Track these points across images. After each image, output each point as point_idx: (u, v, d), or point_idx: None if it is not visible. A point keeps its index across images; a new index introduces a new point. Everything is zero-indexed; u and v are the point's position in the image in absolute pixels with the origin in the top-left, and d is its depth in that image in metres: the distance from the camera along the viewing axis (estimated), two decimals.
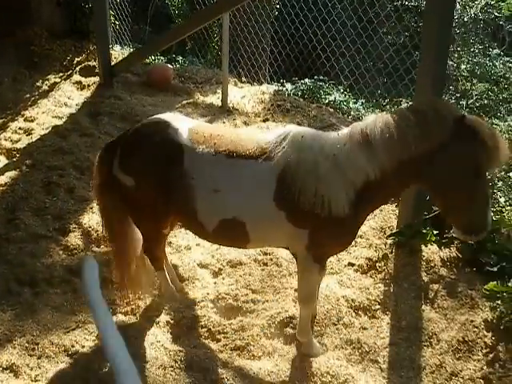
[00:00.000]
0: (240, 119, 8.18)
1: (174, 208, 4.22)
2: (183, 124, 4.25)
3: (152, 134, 4.20)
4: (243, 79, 10.04)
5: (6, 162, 7.19)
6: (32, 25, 10.62)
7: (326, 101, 8.96)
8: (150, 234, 4.60)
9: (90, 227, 5.75)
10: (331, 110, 8.63)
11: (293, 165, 3.82)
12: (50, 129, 7.88)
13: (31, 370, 4.23)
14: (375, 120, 3.77)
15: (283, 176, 3.85)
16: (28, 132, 7.94)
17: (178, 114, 4.62)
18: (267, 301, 4.91)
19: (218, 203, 4.00)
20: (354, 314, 4.80)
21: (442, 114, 3.58)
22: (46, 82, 9.63)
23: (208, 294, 5.01)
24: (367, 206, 4.01)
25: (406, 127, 3.59)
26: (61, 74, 9.90)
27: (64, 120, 8.20)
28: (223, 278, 5.23)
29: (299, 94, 9.20)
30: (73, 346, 4.42)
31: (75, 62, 10.28)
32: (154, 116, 4.54)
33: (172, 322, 4.70)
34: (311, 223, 3.88)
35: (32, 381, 4.12)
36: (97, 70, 9.61)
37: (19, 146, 7.54)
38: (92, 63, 10.01)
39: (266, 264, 5.35)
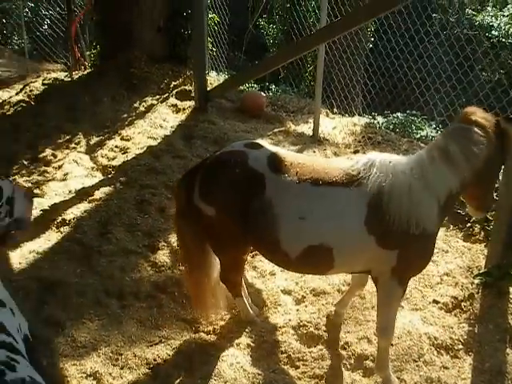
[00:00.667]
0: (330, 149, 8.21)
1: (255, 238, 4.26)
2: (262, 152, 4.30)
3: (232, 164, 4.22)
4: (334, 110, 10.07)
5: (102, 178, 7.48)
6: (133, 49, 11.05)
7: (418, 135, 8.90)
8: (230, 262, 4.65)
9: (179, 246, 5.87)
10: (422, 145, 8.55)
11: (387, 189, 3.92)
12: (145, 149, 8.15)
13: (113, 379, 4.35)
14: (448, 138, 4.03)
15: (376, 201, 3.94)
16: (124, 150, 8.24)
17: (258, 140, 4.68)
18: (348, 332, 4.89)
19: (304, 231, 4.03)
20: (435, 353, 4.72)
21: (489, 121, 4.00)
22: (144, 103, 9.97)
23: (290, 320, 5.02)
24: (443, 219, 4.25)
25: (477, 139, 3.92)
26: (158, 97, 10.23)
27: (158, 141, 8.46)
28: (306, 306, 5.23)
29: (391, 127, 9.18)
30: (155, 360, 4.51)
31: (172, 85, 10.59)
32: (233, 144, 4.62)
33: (253, 345, 4.73)
34: (402, 243, 3.99)
35: None
36: (192, 95, 9.85)
37: (115, 163, 7.84)
38: (188, 87, 10.28)
39: None
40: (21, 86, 11.90)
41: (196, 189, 4.35)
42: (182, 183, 4.59)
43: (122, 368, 4.46)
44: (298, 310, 5.19)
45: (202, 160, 4.71)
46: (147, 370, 4.45)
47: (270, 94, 11.34)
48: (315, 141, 8.54)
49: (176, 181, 4.66)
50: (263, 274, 5.66)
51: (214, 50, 11.97)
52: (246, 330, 4.87)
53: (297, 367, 4.58)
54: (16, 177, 7.57)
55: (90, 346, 4.67)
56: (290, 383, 4.38)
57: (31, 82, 12.00)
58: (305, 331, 4.90)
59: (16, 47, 18.50)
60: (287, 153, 4.45)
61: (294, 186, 4.06)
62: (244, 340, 4.76)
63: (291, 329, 4.92)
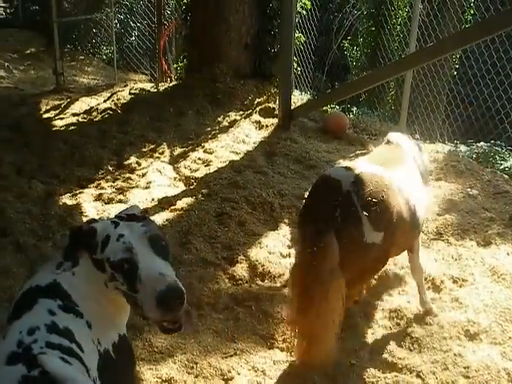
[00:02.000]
0: None
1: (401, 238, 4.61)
2: (373, 168, 4.54)
3: (386, 185, 4.33)
4: (416, 136, 9.97)
5: (184, 188, 7.61)
6: (219, 64, 11.23)
7: (502, 167, 8.73)
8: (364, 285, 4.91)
9: (257, 261, 5.90)
10: (506, 176, 8.38)
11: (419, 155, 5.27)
12: (227, 163, 8.28)
13: None
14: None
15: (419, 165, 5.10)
16: (206, 163, 8.36)
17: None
18: (424, 361, 4.80)
19: (423, 206, 4.89)
20: None
21: None
22: (227, 118, 10.12)
23: (365, 343, 4.97)
24: None
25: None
26: (241, 113, 10.37)
27: (240, 156, 8.57)
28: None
29: (474, 156, 9.02)
30: (229, 372, 4.52)
31: (256, 102, 10.71)
32: (338, 172, 4.60)
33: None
34: None
35: None
36: (276, 112, 9.92)
37: (197, 175, 7.97)
38: (272, 105, 10.37)
39: (428, 324, 5.25)
40: (108, 95, 12.22)
41: (366, 225, 4.17)
42: (328, 234, 4.13)
43: (196, 376, 4.49)
44: (373, 334, 5.14)
45: (331, 204, 4.26)
46: (221, 381, 4.46)
47: (351, 116, 11.33)
48: None
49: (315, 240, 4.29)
50: None
51: (299, 69, 12.06)
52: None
53: None
54: (101, 182, 7.80)
55: (166, 352, 4.72)
56: None
57: (118, 91, 12.32)
58: (378, 357, 4.84)
59: (104, 57, 19.05)
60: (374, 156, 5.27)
61: (406, 181, 4.63)
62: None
63: (367, 353, 4.85)
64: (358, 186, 4.23)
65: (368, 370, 4.66)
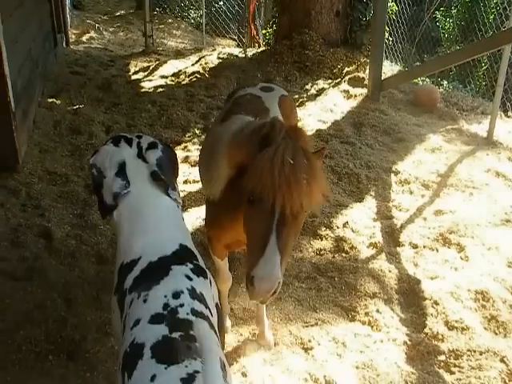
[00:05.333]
0: (504, 154, 7.82)
1: None
2: None
3: None
4: (509, 113, 9.63)
5: None
6: (309, 31, 11.08)
7: None
8: None
9: (341, 232, 5.90)
10: None
11: None
12: (314, 131, 8.20)
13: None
14: None
15: None
16: None
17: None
18: (509, 347, 4.63)
19: None
20: None
21: None
22: (315, 86, 10.03)
23: (447, 322, 4.81)
24: None
25: None
26: (330, 81, 10.25)
27: (328, 125, 8.47)
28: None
29: None
30: (309, 341, 4.48)
31: (345, 71, 10.57)
32: None
33: (409, 343, 4.54)
34: None
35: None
36: (365, 82, 9.76)
37: None
38: (361, 75, 10.21)
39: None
40: (196, 58, 12.29)
41: None
42: None
43: (276, 343, 4.47)
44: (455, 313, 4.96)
45: None
46: (301, 350, 4.44)
47: (442, 89, 11.02)
48: (489, 143, 8.15)
49: None
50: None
51: (390, 39, 11.79)
52: (404, 326, 4.75)
53: (452, 373, 4.35)
54: (188, 144, 7.84)
55: (247, 317, 4.74)
56: None
57: (206, 55, 12.37)
58: (466, 336, 4.67)
59: (192, 21, 19.17)
60: None
61: None
62: (401, 337, 4.60)
63: (454, 332, 4.71)
64: None
65: (452, 351, 4.51)
